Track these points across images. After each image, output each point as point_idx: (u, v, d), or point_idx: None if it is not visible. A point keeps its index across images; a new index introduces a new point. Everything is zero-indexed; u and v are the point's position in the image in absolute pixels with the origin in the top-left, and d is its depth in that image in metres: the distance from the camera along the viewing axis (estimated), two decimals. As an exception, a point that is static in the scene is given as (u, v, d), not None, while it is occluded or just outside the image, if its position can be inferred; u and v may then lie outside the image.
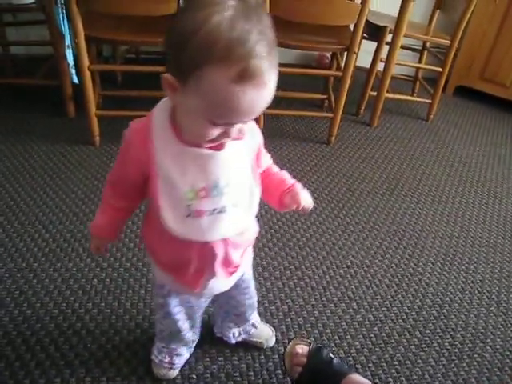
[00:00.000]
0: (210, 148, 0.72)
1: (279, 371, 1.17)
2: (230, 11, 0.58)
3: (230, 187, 0.76)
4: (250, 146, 0.79)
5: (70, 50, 1.71)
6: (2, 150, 1.93)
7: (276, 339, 1.24)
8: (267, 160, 0.89)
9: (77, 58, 1.74)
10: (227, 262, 0.86)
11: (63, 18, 1.63)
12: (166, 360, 1.10)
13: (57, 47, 1.99)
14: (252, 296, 1.12)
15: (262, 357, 1.20)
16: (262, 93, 0.63)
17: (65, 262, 1.41)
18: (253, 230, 0.91)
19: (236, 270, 0.91)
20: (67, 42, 1.70)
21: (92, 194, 1.71)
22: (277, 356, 1.20)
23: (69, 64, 1.75)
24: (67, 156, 1.93)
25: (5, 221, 1.55)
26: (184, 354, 1.12)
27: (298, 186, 0.86)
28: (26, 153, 1.92)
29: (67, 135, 2.07)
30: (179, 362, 1.12)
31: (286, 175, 0.90)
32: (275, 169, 0.92)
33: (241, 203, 0.79)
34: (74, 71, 1.74)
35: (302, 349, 1.14)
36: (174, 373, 1.12)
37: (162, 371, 1.11)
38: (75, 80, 1.75)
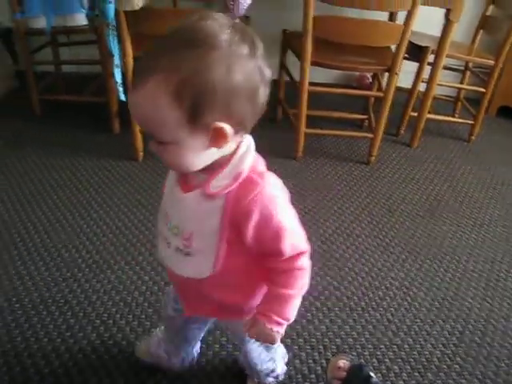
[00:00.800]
0: (183, 186, 0.72)
1: (316, 391, 1.16)
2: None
3: (178, 232, 0.74)
4: (228, 211, 0.68)
5: (119, 69, 1.79)
6: (51, 163, 2.01)
7: (313, 359, 1.24)
8: (277, 251, 0.71)
9: (125, 76, 1.81)
10: (183, 296, 0.88)
11: (113, 39, 1.70)
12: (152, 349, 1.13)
13: (105, 66, 2.08)
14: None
15: (299, 376, 1.19)
16: (134, 94, 0.60)
17: (107, 273, 1.45)
18: (221, 297, 0.81)
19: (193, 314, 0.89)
20: (116, 61, 1.77)
21: (134, 208, 1.76)
22: (314, 376, 1.20)
23: (116, 82, 1.81)
24: (111, 170, 1.99)
25: (52, 231, 1.61)
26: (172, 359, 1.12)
27: (267, 319, 0.76)
28: (72, 167, 2.00)
29: (112, 150, 2.14)
30: (159, 355, 1.11)
31: (276, 296, 0.76)
32: (280, 277, 0.75)
33: (187, 254, 0.74)
34: (121, 89, 1.80)
35: (344, 363, 1.14)
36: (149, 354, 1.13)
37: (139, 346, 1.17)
38: (122, 97, 1.81)
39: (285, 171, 2.07)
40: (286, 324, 0.77)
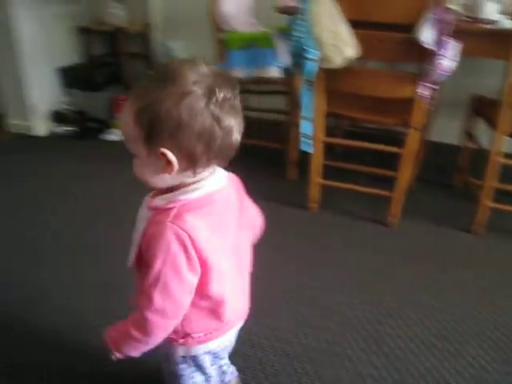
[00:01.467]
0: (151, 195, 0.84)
1: None
2: None
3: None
4: (147, 223, 0.79)
5: (308, 122, 1.86)
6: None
7: None
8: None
9: (307, 129, 1.88)
10: None
11: (308, 93, 1.79)
12: None
13: (291, 116, 2.20)
14: None
15: None
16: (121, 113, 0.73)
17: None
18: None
19: None
20: (306, 113, 1.85)
21: (297, 258, 1.79)
22: None
23: (301, 133, 1.90)
24: (280, 215, 2.06)
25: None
26: None
27: (108, 332, 0.86)
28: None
29: (283, 196, 2.23)
30: None
31: (127, 323, 0.82)
32: (136, 312, 0.81)
33: (131, 245, 0.84)
34: (306, 140, 1.88)
35: None
36: None
37: None
38: (305, 148, 1.89)
39: (459, 245, 1.93)
40: (120, 353, 0.83)
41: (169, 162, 0.71)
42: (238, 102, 0.72)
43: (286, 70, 2.25)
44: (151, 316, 0.77)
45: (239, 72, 2.37)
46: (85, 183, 2.36)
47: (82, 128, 2.99)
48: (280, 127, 2.49)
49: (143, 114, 0.68)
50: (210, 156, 0.72)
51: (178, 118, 0.67)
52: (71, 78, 3.14)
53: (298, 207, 2.12)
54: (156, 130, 0.68)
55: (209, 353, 0.93)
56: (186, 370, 0.95)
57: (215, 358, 0.97)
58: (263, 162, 2.57)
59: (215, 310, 0.85)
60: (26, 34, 2.91)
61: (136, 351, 0.83)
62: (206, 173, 0.77)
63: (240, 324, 0.98)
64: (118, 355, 0.84)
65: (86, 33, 3.28)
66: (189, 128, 0.67)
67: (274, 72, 2.31)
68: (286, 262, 1.75)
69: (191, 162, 0.71)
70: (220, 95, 0.68)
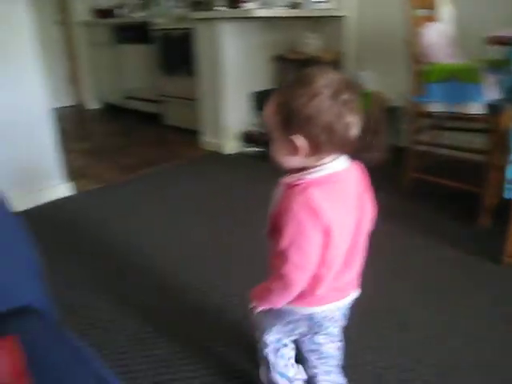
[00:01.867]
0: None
1: None
2: None
3: None
4: (282, 195, 0.94)
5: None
6: (407, 238, 2.04)
7: None
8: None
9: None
10: None
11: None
12: None
13: (492, 157, 1.98)
14: None
15: None
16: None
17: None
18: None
19: None
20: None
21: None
22: None
23: (507, 179, 1.69)
24: (463, 264, 1.86)
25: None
26: None
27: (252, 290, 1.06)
28: (424, 247, 1.97)
29: (472, 244, 2.00)
30: None
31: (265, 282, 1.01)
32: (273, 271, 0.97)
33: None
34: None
35: None
36: None
37: None
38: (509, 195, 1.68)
39: None
40: (260, 304, 1.02)
41: (297, 147, 0.85)
42: (357, 103, 0.84)
43: (491, 107, 2.05)
44: (289, 271, 0.91)
45: (437, 106, 2.23)
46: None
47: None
48: (476, 168, 2.26)
49: (282, 107, 0.84)
50: (331, 145, 0.85)
51: (308, 113, 0.81)
52: (263, 101, 3.33)
53: (488, 259, 1.88)
54: (290, 121, 0.84)
55: (309, 317, 1.03)
56: (273, 339, 1.14)
57: (315, 325, 1.06)
58: (453, 205, 2.36)
59: (324, 276, 0.94)
60: (230, 62, 3.19)
61: (273, 303, 1.00)
62: (328, 159, 0.89)
63: (347, 299, 1.04)
64: (259, 306, 1.03)
65: (280, 61, 3.47)
66: (315, 122, 0.82)
67: (475, 108, 2.12)
68: (465, 320, 1.56)
69: (316, 149, 0.85)
70: (343, 97, 0.81)
